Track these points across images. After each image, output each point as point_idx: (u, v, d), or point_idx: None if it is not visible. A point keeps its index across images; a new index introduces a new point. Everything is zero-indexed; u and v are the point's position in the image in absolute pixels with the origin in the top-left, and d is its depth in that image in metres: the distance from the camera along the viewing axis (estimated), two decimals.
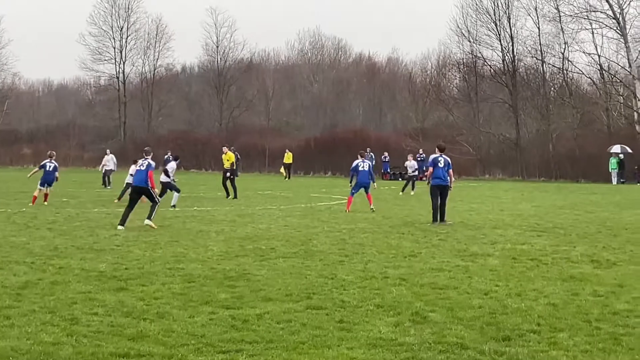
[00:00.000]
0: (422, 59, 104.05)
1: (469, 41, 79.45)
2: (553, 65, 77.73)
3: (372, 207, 29.44)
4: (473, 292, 12.53)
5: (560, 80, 78.58)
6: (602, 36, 76.09)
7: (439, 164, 25.17)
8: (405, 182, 45.60)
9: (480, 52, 79.33)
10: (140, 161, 24.28)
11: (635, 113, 72.05)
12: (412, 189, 43.42)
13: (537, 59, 77.70)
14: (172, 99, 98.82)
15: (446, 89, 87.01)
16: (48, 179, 31.36)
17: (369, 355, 8.83)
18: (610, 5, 72.35)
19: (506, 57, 77.86)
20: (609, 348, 9.12)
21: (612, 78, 76.06)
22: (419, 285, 13.17)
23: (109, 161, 47.58)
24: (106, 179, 46.29)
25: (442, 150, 25.70)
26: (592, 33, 75.18)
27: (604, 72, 75.76)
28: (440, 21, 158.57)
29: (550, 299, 11.97)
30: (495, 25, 77.62)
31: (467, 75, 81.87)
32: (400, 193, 42.34)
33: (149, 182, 23.34)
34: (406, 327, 10.13)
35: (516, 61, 77.68)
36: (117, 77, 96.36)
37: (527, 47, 78.07)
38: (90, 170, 79.43)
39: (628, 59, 72.77)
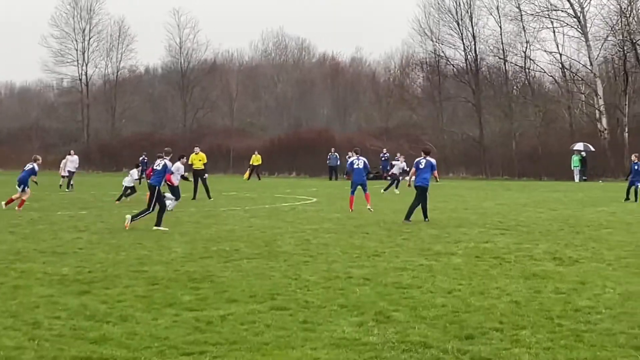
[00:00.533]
0: (386, 58, 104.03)
1: (432, 41, 79.83)
2: (515, 64, 78.23)
3: (369, 207, 29.55)
4: (436, 291, 12.58)
5: (523, 79, 79.05)
6: (564, 35, 76.65)
7: (420, 165, 26.02)
8: (390, 181, 45.57)
9: (443, 52, 79.75)
10: (157, 161, 24.62)
11: (596, 111, 72.55)
12: (396, 187, 43.69)
13: (499, 58, 78.17)
14: (136, 101, 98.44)
15: (410, 89, 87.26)
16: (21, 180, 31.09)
17: (332, 355, 8.84)
18: (571, 4, 72.85)
19: (469, 56, 78.29)
20: (571, 345, 9.18)
21: (574, 76, 76.61)
22: (382, 284, 13.20)
23: (73, 162, 47.19)
24: (70, 181, 45.95)
25: (427, 154, 26.60)
26: (554, 32, 75.73)
27: (565, 70, 76.31)
28: (403, 21, 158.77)
29: (512, 297, 12.04)
30: (458, 24, 78.01)
31: (430, 75, 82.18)
32: (382, 192, 42.43)
33: (161, 183, 24.00)
34: (370, 326, 10.15)
35: (479, 60, 78.10)
36: (80, 79, 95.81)
37: (489, 46, 78.58)
38: (53, 172, 78.84)
39: (589, 57, 73.31)
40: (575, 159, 64.86)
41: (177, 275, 14.24)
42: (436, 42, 79.50)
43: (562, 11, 73.99)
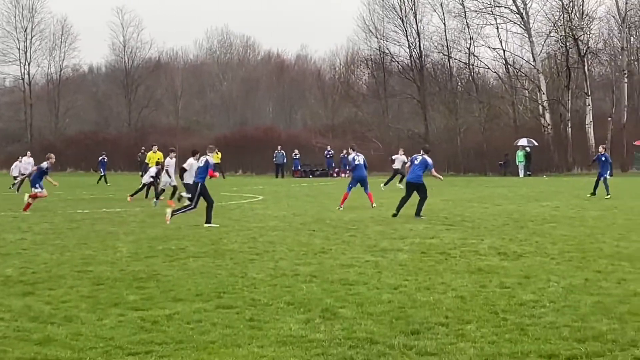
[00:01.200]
0: (331, 55, 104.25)
1: (377, 37, 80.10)
2: (459, 61, 78.80)
3: (374, 204, 29.58)
4: (383, 287, 12.62)
5: (467, 75, 79.62)
6: (507, 31, 77.39)
7: (415, 161, 26.45)
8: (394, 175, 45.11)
9: (387, 49, 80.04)
10: (202, 157, 24.82)
11: (540, 106, 73.29)
12: (400, 182, 42.94)
13: (443, 54, 78.67)
14: (80, 100, 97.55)
15: (355, 86, 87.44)
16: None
17: (279, 352, 8.83)
18: (514, 1, 73.53)
19: (413, 53, 78.62)
20: (515, 338, 9.26)
21: (517, 72, 77.38)
22: (329, 281, 13.21)
23: (29, 164, 46.48)
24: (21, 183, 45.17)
25: (426, 152, 26.93)
26: (497, 28, 76.47)
27: (509, 66, 77.07)
28: (348, 18, 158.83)
29: (458, 292, 12.11)
30: (402, 21, 78.29)
31: (376, 72, 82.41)
32: (382, 187, 42.28)
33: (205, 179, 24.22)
34: (316, 323, 10.16)
35: (423, 57, 78.49)
36: (22, 79, 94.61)
37: (433, 43, 79.07)
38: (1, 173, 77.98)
39: (532, 53, 74.06)
40: (519, 155, 65.47)
41: (122, 274, 14.14)
42: (381, 39, 79.86)
43: (505, 7, 74.78)
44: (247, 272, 14.22)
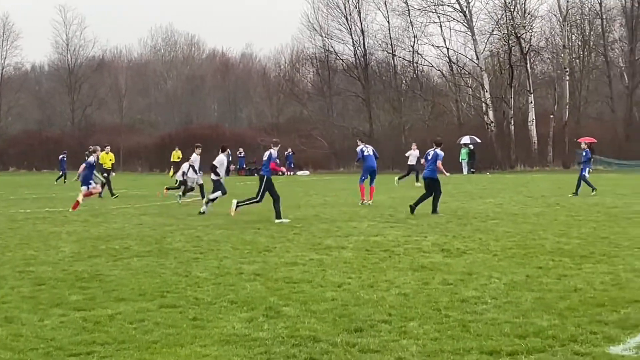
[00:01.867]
0: (276, 54, 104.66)
1: (321, 36, 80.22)
2: (404, 59, 79.20)
3: (370, 201, 29.63)
4: (327, 285, 12.64)
5: (411, 73, 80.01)
6: (450, 29, 78.05)
7: (428, 157, 26.26)
8: (408, 172, 44.57)
9: (332, 47, 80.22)
10: (266, 152, 24.89)
11: (483, 104, 73.86)
12: (417, 180, 43.11)
13: (387, 52, 79.00)
14: (22, 99, 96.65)
15: (300, 84, 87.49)
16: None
17: (222, 351, 8.81)
18: None
19: (358, 51, 78.85)
20: (458, 335, 9.32)
21: (461, 70, 77.95)
22: (273, 279, 13.21)
23: None
24: None
25: (438, 145, 26.42)
26: (441, 26, 76.99)
27: (452, 64, 77.58)
28: (292, 16, 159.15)
29: (401, 289, 12.17)
30: (347, 19, 78.48)
31: (320, 70, 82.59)
32: (397, 181, 42.06)
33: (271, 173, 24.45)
34: (260, 322, 10.15)
35: (368, 55, 78.77)
36: None
37: (377, 41, 79.36)
38: None
39: (475, 51, 74.65)
40: (463, 152, 65.92)
41: (64, 275, 14.02)
42: (325, 37, 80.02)
43: (449, 6, 75.32)
44: (191, 271, 14.18)
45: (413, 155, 44.56)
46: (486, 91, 73.14)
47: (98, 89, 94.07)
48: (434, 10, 75.70)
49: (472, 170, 65.25)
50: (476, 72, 75.99)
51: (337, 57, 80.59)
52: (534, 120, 71.06)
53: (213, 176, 27.88)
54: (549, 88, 78.76)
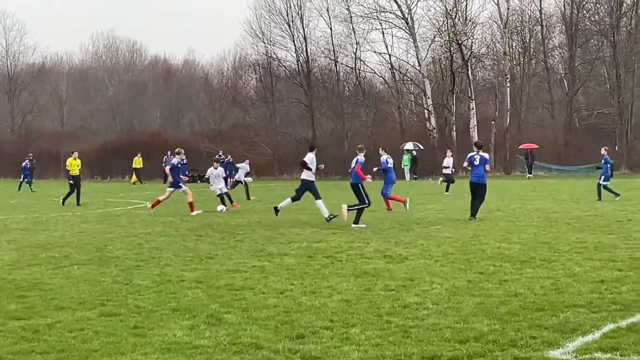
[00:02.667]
0: (219, 60, 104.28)
1: (264, 42, 79.97)
2: (346, 65, 79.30)
3: (391, 208, 29.27)
4: (269, 292, 12.62)
5: (354, 80, 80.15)
6: (392, 36, 78.41)
7: (475, 161, 25.59)
8: (447, 181, 42.32)
9: (275, 53, 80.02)
10: (354, 158, 25.14)
11: (425, 110, 74.30)
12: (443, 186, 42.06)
13: (330, 59, 79.06)
14: None
15: (243, 91, 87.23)
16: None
17: (162, 359, 8.78)
18: (399, 6, 74.46)
19: (300, 58, 78.79)
20: (399, 341, 9.35)
21: (403, 77, 78.35)
22: (215, 287, 13.16)
23: None
24: None
25: (479, 148, 26.02)
26: (383, 33, 77.32)
27: (395, 71, 77.92)
28: (235, 23, 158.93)
29: (343, 295, 12.18)
30: (289, 26, 78.36)
31: (263, 77, 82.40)
32: (446, 193, 40.90)
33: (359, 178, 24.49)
34: (201, 329, 10.11)
35: (310, 62, 78.73)
36: None
37: (320, 48, 79.38)
38: None
39: (417, 58, 75.09)
40: (405, 158, 66.24)
41: (3, 283, 13.85)
42: (268, 43, 79.79)
43: (391, 13, 75.61)
44: (132, 279, 14.08)
45: (447, 162, 43.19)
46: (428, 97, 73.59)
47: (38, 95, 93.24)
48: (376, 17, 76.04)
49: (414, 176, 65.58)
50: (418, 78, 76.44)
51: (280, 64, 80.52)
52: (476, 127, 71.58)
53: (303, 175, 26.77)
54: (490, 94, 79.45)
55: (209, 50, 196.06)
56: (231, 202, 31.62)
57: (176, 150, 31.17)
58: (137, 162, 67.66)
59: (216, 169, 32.09)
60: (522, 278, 13.45)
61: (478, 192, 25.48)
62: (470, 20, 74.21)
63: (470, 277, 13.61)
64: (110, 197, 41.87)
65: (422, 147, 67.50)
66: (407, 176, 65.47)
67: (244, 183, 38.82)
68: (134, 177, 67.40)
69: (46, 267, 15.94)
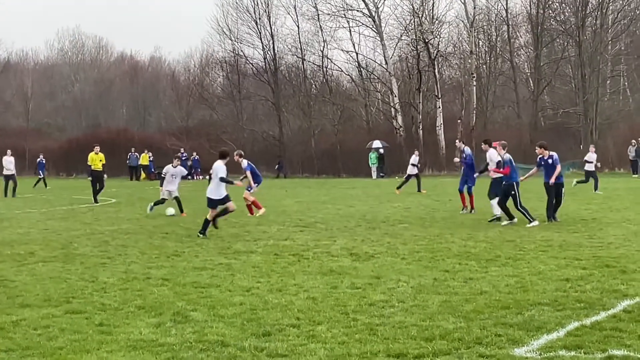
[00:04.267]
0: (186, 57, 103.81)
1: (231, 40, 79.70)
2: (313, 63, 79.23)
3: (473, 210, 27.08)
4: (235, 290, 12.62)
5: (321, 78, 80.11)
6: (360, 34, 78.40)
7: (548, 161, 23.94)
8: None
9: (242, 51, 79.79)
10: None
11: (392, 109, 74.40)
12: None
13: (297, 57, 78.96)
14: None
15: (210, 88, 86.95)
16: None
17: (128, 357, 8.76)
18: (366, 4, 74.39)
19: (267, 55, 78.61)
20: (365, 338, 9.39)
21: (370, 75, 78.42)
22: (181, 284, 13.15)
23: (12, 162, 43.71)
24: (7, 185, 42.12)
25: (546, 148, 24.26)
26: (350, 31, 77.27)
27: (362, 69, 77.97)
28: (202, 20, 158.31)
29: (310, 293, 12.21)
30: (256, 23, 78.14)
31: (230, 74, 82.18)
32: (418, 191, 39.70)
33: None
34: (167, 327, 10.11)
35: (277, 59, 78.59)
36: None
37: (287, 46, 79.21)
38: None
39: (384, 56, 75.14)
40: (372, 156, 66.34)
41: None
42: (235, 41, 79.54)
43: (358, 11, 75.53)
44: (98, 277, 14.04)
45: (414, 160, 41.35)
46: (395, 96, 73.69)
47: (3, 91, 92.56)
48: (343, 15, 75.97)
49: (382, 174, 65.67)
50: (385, 77, 76.50)
51: (247, 61, 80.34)
52: (442, 125, 71.74)
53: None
54: (457, 93, 79.62)
55: (176, 47, 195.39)
56: (181, 210, 29.30)
57: (236, 152, 29.17)
58: (145, 158, 67.64)
59: (175, 167, 29.14)
60: (488, 276, 13.54)
61: (554, 191, 23.84)
62: (437, 19, 74.41)
63: (436, 275, 13.68)
64: (76, 195, 41.63)
65: (388, 145, 67.59)
66: (374, 174, 65.54)
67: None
68: (143, 174, 67.53)
69: (11, 264, 15.86)
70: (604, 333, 9.48)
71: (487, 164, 25.27)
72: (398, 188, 39.14)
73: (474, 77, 74.05)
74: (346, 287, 12.74)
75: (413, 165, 41.20)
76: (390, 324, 10.10)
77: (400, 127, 72.73)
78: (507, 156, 23.70)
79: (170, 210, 27.23)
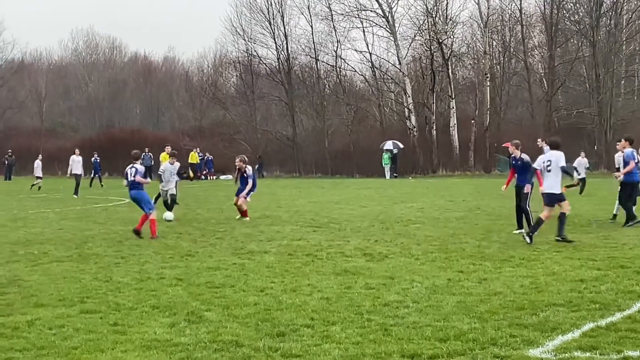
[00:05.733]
0: (199, 58, 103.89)
1: (244, 40, 79.82)
2: (327, 64, 79.25)
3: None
4: (249, 290, 12.61)
5: (334, 78, 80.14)
6: (373, 34, 78.55)
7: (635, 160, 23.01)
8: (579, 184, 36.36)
9: (255, 51, 79.88)
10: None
11: (406, 109, 74.33)
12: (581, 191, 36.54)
13: (311, 57, 78.99)
14: None
15: (223, 88, 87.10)
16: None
17: (143, 357, 8.75)
18: (380, 4, 74.37)
19: (281, 56, 78.67)
20: (379, 339, 9.37)
21: (383, 75, 78.39)
22: (195, 284, 13.15)
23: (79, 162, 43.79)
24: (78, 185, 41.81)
25: (631, 141, 23.36)
26: (363, 31, 77.29)
27: (375, 69, 77.94)
28: (215, 20, 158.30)
29: (324, 293, 12.19)
30: (270, 23, 78.25)
31: (244, 74, 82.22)
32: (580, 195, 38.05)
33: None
34: (181, 327, 10.10)
35: (291, 59, 78.63)
36: None
37: (301, 46, 79.29)
38: None
39: (398, 57, 75.02)
40: (385, 157, 66.30)
41: None
42: (249, 41, 79.63)
43: (372, 11, 75.56)
44: (112, 276, 14.05)
45: (581, 164, 38.27)
46: (408, 96, 73.62)
47: (17, 91, 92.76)
48: (356, 16, 76.00)
49: (395, 174, 65.63)
50: (399, 77, 76.44)
51: (261, 61, 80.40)
52: (456, 125, 71.70)
53: None
54: (470, 93, 79.52)
55: (189, 48, 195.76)
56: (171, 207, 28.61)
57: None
58: (193, 157, 67.75)
59: (172, 164, 27.96)
60: (502, 277, 13.50)
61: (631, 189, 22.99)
62: (450, 19, 74.39)
63: (450, 276, 13.65)
64: (90, 194, 41.73)
65: (401, 146, 67.51)
66: (387, 175, 65.49)
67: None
68: (191, 173, 67.67)
69: (25, 263, 15.89)
70: (620, 334, 9.44)
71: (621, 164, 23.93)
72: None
73: (487, 77, 73.95)
74: (360, 287, 12.72)
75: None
76: (405, 324, 10.08)
77: (414, 127, 72.66)
78: (525, 157, 22.37)
79: (169, 215, 26.67)
